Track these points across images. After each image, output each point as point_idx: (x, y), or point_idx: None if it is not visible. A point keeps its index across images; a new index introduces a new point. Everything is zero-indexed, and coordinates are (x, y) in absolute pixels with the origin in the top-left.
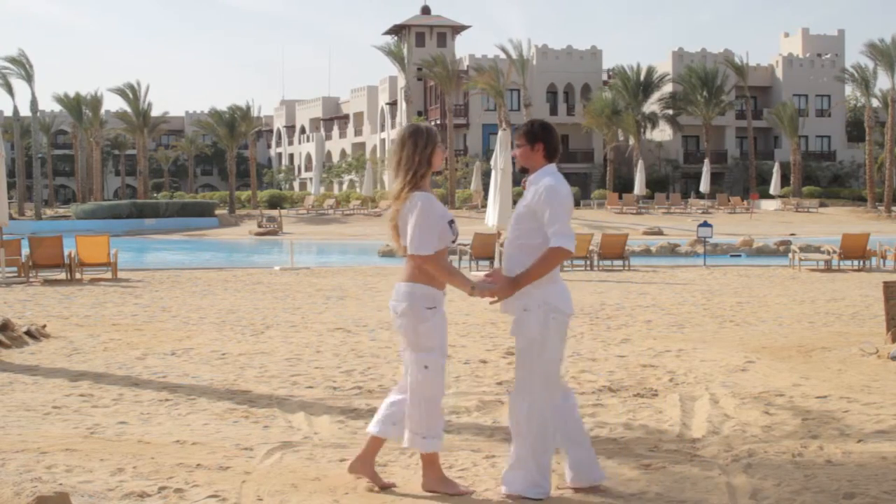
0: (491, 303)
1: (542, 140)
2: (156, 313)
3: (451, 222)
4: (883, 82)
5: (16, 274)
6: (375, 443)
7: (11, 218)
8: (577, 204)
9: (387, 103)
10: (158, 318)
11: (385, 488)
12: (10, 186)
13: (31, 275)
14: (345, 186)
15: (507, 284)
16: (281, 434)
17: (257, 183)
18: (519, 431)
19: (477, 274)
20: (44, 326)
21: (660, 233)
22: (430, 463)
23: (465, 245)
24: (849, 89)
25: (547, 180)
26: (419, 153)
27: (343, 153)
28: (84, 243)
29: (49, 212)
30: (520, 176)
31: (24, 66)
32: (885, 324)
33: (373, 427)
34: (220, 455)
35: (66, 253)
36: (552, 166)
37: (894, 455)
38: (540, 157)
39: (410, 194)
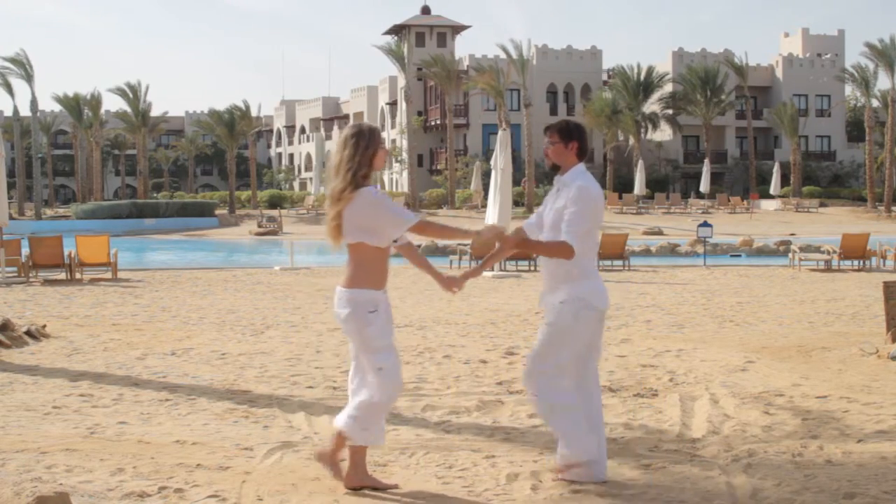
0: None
1: (576, 139)
2: (156, 313)
3: None
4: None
5: (16, 274)
6: (356, 449)
7: (11, 218)
8: None
9: (387, 103)
10: (158, 318)
11: (387, 488)
12: (10, 186)
13: (31, 275)
14: None
15: (515, 238)
16: (281, 434)
17: (257, 183)
18: (551, 418)
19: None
20: (44, 326)
21: (660, 233)
22: (360, 456)
23: (465, 245)
24: (849, 89)
25: (579, 182)
26: (360, 154)
27: None
28: (84, 243)
29: (49, 212)
30: (519, 176)
31: (24, 66)
32: (885, 324)
33: (342, 430)
34: (220, 455)
35: (66, 253)
36: (582, 165)
37: (894, 455)
38: (573, 156)
39: (356, 192)
